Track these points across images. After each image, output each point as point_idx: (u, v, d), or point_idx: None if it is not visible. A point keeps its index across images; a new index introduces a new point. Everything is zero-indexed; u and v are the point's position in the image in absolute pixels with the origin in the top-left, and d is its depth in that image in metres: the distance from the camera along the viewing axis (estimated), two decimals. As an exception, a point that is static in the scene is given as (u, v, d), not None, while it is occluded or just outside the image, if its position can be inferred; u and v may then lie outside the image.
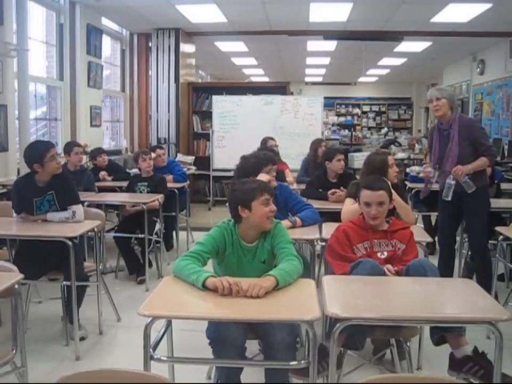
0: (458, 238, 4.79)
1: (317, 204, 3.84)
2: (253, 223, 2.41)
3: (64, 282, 3.21)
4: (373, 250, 2.68)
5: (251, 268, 2.42)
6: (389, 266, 2.53)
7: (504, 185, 5.10)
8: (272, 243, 2.43)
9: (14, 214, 3.40)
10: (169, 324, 2.28)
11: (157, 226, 4.80)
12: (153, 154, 5.42)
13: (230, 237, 2.42)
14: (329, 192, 4.24)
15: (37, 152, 3.28)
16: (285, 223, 3.18)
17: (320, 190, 4.35)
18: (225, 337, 2.20)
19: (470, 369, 2.26)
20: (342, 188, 4.17)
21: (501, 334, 1.85)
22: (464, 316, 1.99)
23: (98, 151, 5.79)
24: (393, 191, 2.93)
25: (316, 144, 5.75)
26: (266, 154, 3.58)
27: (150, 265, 4.77)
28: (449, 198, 3.83)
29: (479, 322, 1.94)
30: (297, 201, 3.46)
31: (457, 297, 2.18)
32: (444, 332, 2.34)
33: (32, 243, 3.25)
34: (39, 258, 3.23)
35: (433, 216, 5.61)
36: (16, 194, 3.40)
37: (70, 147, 5.11)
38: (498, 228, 3.60)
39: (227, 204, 2.52)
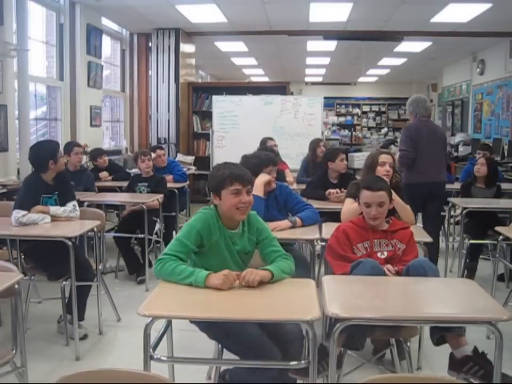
0: (458, 238, 4.81)
1: (317, 204, 3.85)
2: (223, 212, 2.37)
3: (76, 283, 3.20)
4: (373, 250, 2.68)
5: (238, 254, 2.41)
6: (389, 266, 2.53)
7: (504, 185, 5.09)
8: (258, 237, 2.44)
9: (15, 215, 3.27)
10: (169, 324, 2.28)
11: (157, 226, 4.80)
12: (153, 155, 5.43)
13: (215, 222, 2.35)
14: (326, 192, 4.25)
15: (51, 149, 3.45)
16: (285, 223, 3.19)
17: (320, 190, 4.35)
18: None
19: (470, 369, 2.26)
20: (342, 189, 4.17)
21: (501, 334, 1.85)
22: (464, 316, 1.99)
23: (98, 152, 5.78)
24: (392, 191, 2.93)
25: (314, 144, 5.75)
26: (268, 155, 3.58)
27: (150, 265, 4.76)
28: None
29: (479, 322, 1.94)
30: (297, 201, 3.45)
31: (457, 297, 2.18)
32: (444, 332, 2.34)
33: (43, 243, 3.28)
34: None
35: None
36: (25, 190, 3.42)
37: (70, 147, 5.11)
38: (498, 228, 3.61)
39: None
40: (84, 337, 3.34)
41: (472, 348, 2.32)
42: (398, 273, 2.50)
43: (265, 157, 3.52)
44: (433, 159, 4.44)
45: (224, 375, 2.50)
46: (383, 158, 3.52)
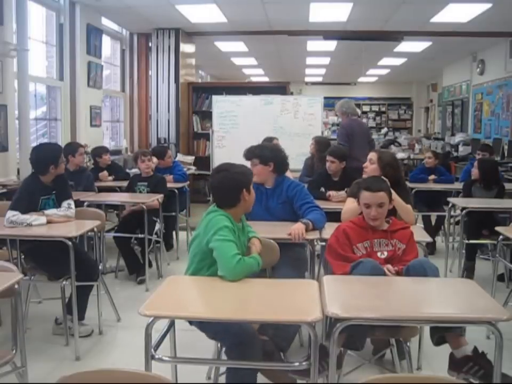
0: (458, 238, 4.81)
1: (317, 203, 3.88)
2: (248, 206, 2.55)
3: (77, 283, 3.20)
4: (373, 250, 2.68)
5: (244, 245, 2.53)
6: (389, 266, 2.53)
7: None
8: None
9: (7, 215, 3.26)
10: (171, 324, 2.28)
11: (157, 226, 4.80)
12: (154, 159, 5.42)
13: (230, 220, 2.44)
14: (327, 194, 4.26)
15: (53, 153, 3.44)
16: (299, 225, 3.05)
17: (322, 188, 4.35)
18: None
19: (470, 369, 2.26)
20: (346, 189, 4.19)
21: (501, 334, 1.85)
22: (464, 315, 1.99)
23: (103, 150, 5.75)
24: (392, 191, 2.93)
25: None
26: (250, 149, 3.54)
27: (150, 265, 4.77)
28: None
29: (479, 322, 1.94)
30: (306, 201, 3.34)
31: (457, 297, 2.18)
32: (444, 332, 2.34)
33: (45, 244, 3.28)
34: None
35: (433, 216, 5.62)
36: (24, 193, 3.40)
37: (74, 148, 5.05)
38: (498, 228, 3.61)
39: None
40: (90, 333, 3.38)
41: (472, 348, 2.32)
42: (398, 273, 2.50)
43: (246, 151, 3.48)
44: (362, 148, 5.29)
45: None
46: (369, 155, 3.61)
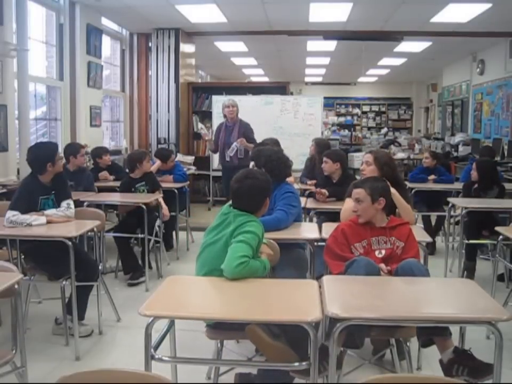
0: (458, 238, 4.81)
1: (317, 204, 3.89)
2: (264, 211, 2.64)
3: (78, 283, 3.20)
4: (371, 248, 2.67)
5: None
6: (382, 265, 2.54)
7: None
8: None
9: (7, 215, 3.26)
10: (171, 324, 2.28)
11: (157, 222, 4.77)
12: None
13: (263, 230, 2.52)
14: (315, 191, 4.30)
15: (49, 151, 3.43)
16: None
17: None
18: None
19: (458, 371, 2.24)
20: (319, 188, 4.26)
21: (501, 334, 1.85)
22: (464, 315, 2.00)
23: (103, 150, 5.72)
24: (394, 190, 2.94)
25: None
26: None
27: (150, 265, 4.76)
28: (231, 154, 6.07)
29: (479, 322, 1.94)
30: (280, 203, 3.28)
31: (457, 297, 2.18)
32: (431, 335, 2.33)
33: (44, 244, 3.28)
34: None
35: (433, 216, 5.62)
36: (23, 193, 3.39)
37: (76, 148, 5.01)
38: (498, 228, 3.61)
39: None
40: (90, 334, 3.38)
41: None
42: (390, 273, 2.50)
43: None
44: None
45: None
46: (364, 157, 3.61)
